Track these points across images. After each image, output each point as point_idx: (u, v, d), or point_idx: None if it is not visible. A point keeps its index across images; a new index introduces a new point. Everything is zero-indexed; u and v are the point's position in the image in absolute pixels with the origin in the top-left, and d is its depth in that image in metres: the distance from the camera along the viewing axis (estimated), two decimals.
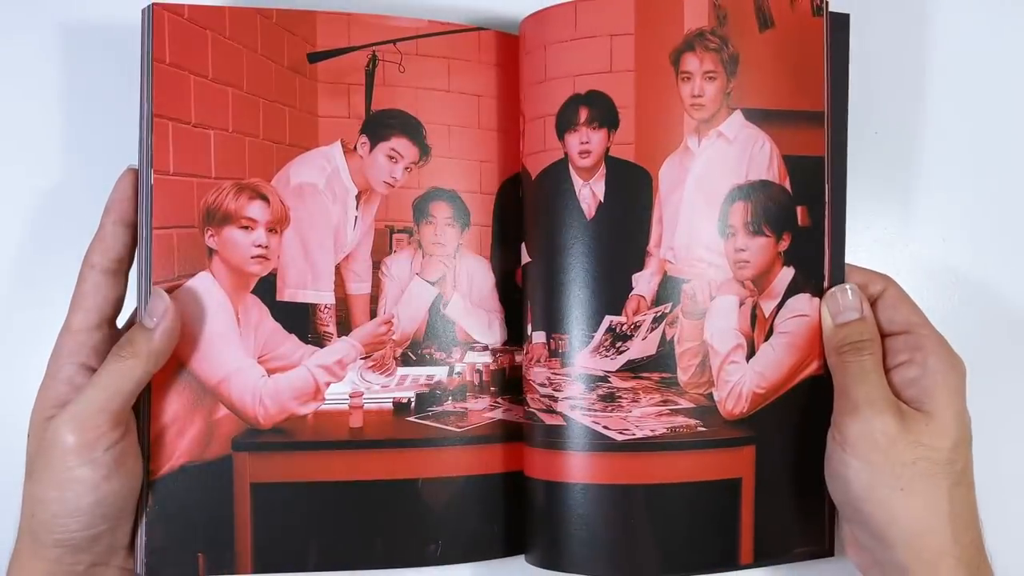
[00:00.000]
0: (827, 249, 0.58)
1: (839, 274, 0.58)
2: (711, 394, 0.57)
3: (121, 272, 0.55)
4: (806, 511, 0.58)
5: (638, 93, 0.57)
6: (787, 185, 0.57)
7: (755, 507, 0.57)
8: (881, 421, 0.52)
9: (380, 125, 0.58)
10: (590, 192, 0.57)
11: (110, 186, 0.55)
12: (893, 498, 0.52)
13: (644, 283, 0.57)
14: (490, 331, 0.60)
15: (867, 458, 0.52)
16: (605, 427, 0.56)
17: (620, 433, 0.56)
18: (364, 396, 0.58)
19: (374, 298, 0.59)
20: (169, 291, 0.54)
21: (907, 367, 0.55)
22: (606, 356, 0.57)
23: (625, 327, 0.56)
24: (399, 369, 0.59)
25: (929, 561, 0.51)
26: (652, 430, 0.56)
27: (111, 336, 0.54)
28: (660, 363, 0.57)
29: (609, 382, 0.57)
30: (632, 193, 0.57)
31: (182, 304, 0.54)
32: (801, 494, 0.58)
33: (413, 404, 0.58)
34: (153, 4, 0.55)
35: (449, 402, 0.59)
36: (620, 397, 0.57)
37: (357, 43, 0.58)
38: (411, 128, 0.59)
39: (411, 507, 0.57)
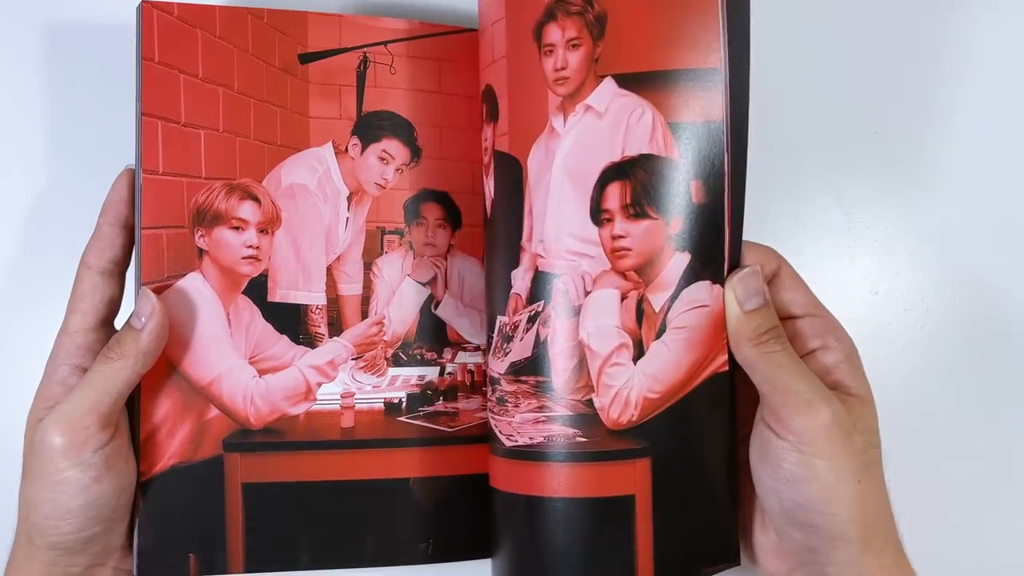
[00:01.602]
0: (727, 228, 0.50)
1: (737, 255, 0.51)
2: (591, 400, 0.50)
3: (117, 273, 0.54)
4: (714, 525, 0.52)
5: (509, 78, 0.52)
6: (675, 157, 0.50)
7: (653, 527, 0.50)
8: (833, 412, 0.48)
9: (371, 126, 0.58)
10: (486, 190, 0.56)
11: (105, 186, 0.55)
12: (855, 493, 0.48)
13: (519, 280, 0.52)
14: (481, 332, 0.60)
15: (831, 454, 0.47)
16: (499, 431, 0.53)
17: (507, 439, 0.52)
18: (355, 396, 0.58)
19: (365, 299, 0.59)
20: (158, 292, 0.53)
21: (824, 352, 0.51)
22: (498, 357, 0.53)
23: (507, 328, 0.53)
24: (390, 369, 0.59)
25: (879, 550, 0.48)
26: (531, 438, 0.51)
27: (108, 337, 0.54)
28: (536, 366, 0.51)
29: (501, 385, 0.53)
30: (509, 186, 0.52)
31: (172, 305, 0.54)
32: (707, 508, 0.51)
33: (404, 404, 0.58)
34: (142, 2, 0.54)
35: (440, 402, 0.59)
36: (507, 401, 0.53)
37: (348, 44, 0.58)
38: (402, 129, 0.59)
39: (402, 506, 0.57)
